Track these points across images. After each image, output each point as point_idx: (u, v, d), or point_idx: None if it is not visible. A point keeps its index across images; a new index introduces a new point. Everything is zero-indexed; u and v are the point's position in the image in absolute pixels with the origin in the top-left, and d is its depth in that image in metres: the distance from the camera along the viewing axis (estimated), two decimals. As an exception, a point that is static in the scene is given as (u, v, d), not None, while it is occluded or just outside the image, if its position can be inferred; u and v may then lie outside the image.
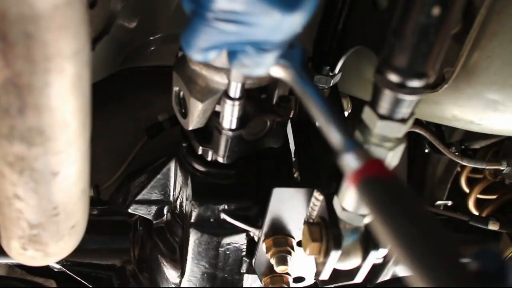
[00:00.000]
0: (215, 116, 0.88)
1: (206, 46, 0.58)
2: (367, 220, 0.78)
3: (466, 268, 0.43)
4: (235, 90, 0.79)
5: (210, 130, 0.92)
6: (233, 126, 0.86)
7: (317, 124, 0.62)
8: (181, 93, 0.88)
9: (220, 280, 1.13)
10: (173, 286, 1.20)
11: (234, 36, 0.56)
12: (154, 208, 1.18)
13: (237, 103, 0.81)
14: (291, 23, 0.54)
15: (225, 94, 0.81)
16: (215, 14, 0.54)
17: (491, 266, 0.43)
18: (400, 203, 0.48)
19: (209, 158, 0.97)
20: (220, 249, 1.07)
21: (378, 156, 0.67)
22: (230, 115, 0.84)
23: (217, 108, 0.87)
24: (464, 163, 1.33)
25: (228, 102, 0.81)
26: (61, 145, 0.61)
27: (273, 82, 0.88)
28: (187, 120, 0.89)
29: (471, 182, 1.57)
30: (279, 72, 0.61)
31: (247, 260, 1.10)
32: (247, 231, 1.05)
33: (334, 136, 0.57)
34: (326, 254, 0.82)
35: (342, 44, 0.93)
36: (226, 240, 1.05)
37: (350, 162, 0.54)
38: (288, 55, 0.61)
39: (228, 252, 1.08)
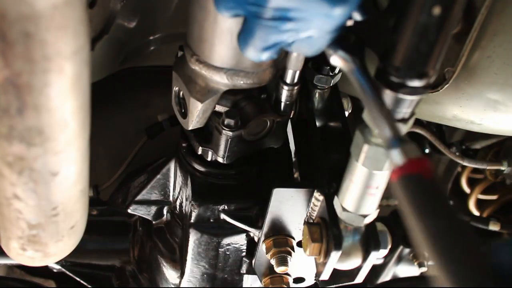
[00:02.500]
0: (215, 116, 0.88)
1: (263, 46, 0.64)
2: (367, 220, 0.78)
3: (485, 261, 0.46)
4: (292, 77, 0.83)
5: (210, 130, 0.92)
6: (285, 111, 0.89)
7: (364, 117, 0.65)
8: (181, 93, 0.88)
9: (220, 281, 1.13)
10: (173, 286, 1.20)
11: (289, 34, 0.61)
12: (153, 209, 1.18)
13: (295, 88, 0.85)
14: (338, 14, 0.59)
15: (282, 81, 0.85)
16: (271, 13, 0.59)
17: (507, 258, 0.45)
18: (432, 201, 0.51)
19: (209, 158, 0.97)
20: (220, 249, 1.06)
21: (379, 156, 0.67)
22: (286, 100, 0.88)
23: (217, 108, 0.87)
24: (464, 164, 1.33)
25: (285, 88, 0.85)
26: (61, 145, 0.61)
27: (273, 83, 0.88)
28: (186, 120, 0.88)
29: (471, 183, 1.57)
30: (338, 62, 0.65)
31: (247, 261, 1.10)
32: (247, 232, 1.05)
33: (383, 131, 0.58)
34: (327, 255, 0.82)
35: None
36: (226, 241, 1.05)
37: (394, 158, 0.55)
38: (350, 48, 0.65)
39: (228, 253, 1.07)
